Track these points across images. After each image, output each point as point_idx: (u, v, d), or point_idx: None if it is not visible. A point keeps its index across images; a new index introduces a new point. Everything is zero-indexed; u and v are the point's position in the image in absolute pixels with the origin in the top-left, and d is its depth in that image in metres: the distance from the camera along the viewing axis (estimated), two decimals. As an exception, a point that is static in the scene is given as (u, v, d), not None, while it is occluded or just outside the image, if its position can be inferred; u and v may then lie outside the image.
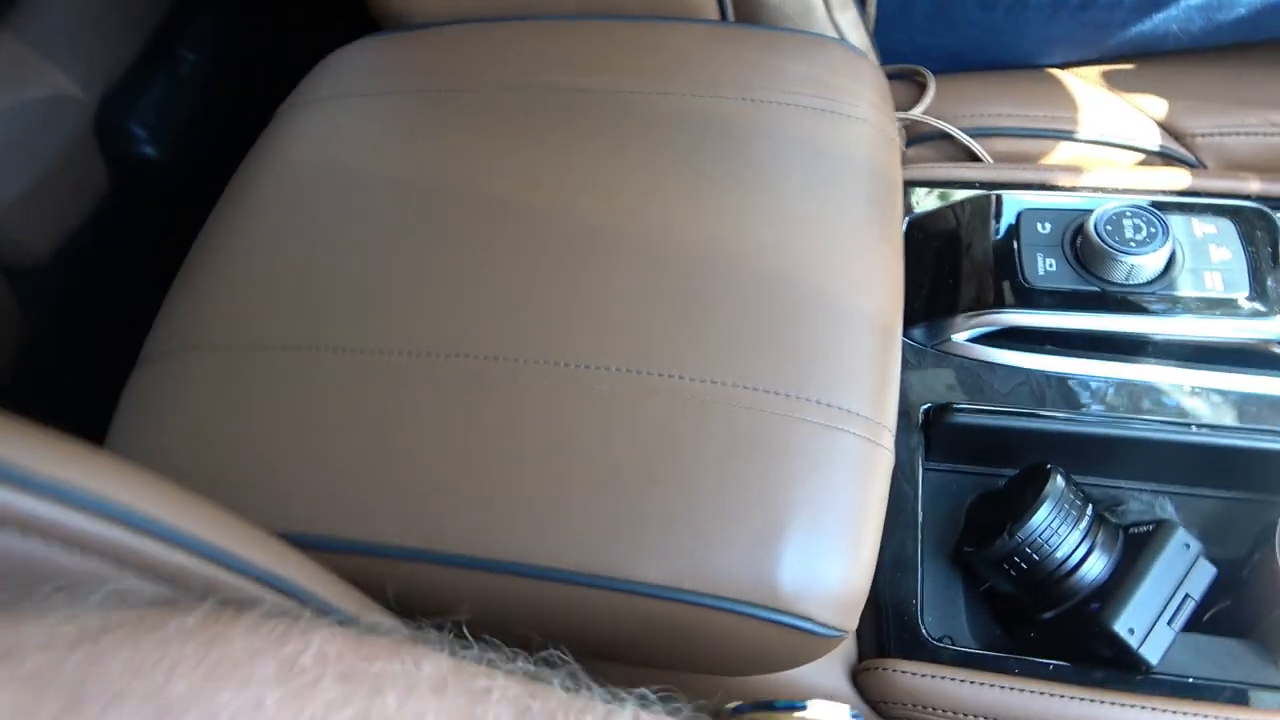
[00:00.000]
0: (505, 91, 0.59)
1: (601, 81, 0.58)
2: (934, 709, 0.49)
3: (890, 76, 0.64)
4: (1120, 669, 0.49)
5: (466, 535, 0.43)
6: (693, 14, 0.64)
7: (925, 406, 0.57)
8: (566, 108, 0.57)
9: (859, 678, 0.51)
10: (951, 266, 0.62)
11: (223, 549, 0.31)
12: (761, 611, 0.42)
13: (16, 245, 0.73)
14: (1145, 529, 0.51)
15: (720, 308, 0.48)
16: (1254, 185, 0.64)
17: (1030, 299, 0.58)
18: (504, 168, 0.55)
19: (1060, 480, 0.51)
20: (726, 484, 0.43)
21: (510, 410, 0.46)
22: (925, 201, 0.67)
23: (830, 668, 0.52)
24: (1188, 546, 0.49)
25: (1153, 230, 0.57)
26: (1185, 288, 0.57)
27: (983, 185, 0.66)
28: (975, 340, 0.59)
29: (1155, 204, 0.59)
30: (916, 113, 0.70)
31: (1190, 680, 0.49)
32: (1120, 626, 0.47)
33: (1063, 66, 0.73)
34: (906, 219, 0.66)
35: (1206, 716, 0.47)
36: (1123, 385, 0.56)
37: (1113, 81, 0.72)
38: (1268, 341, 0.56)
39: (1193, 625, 0.49)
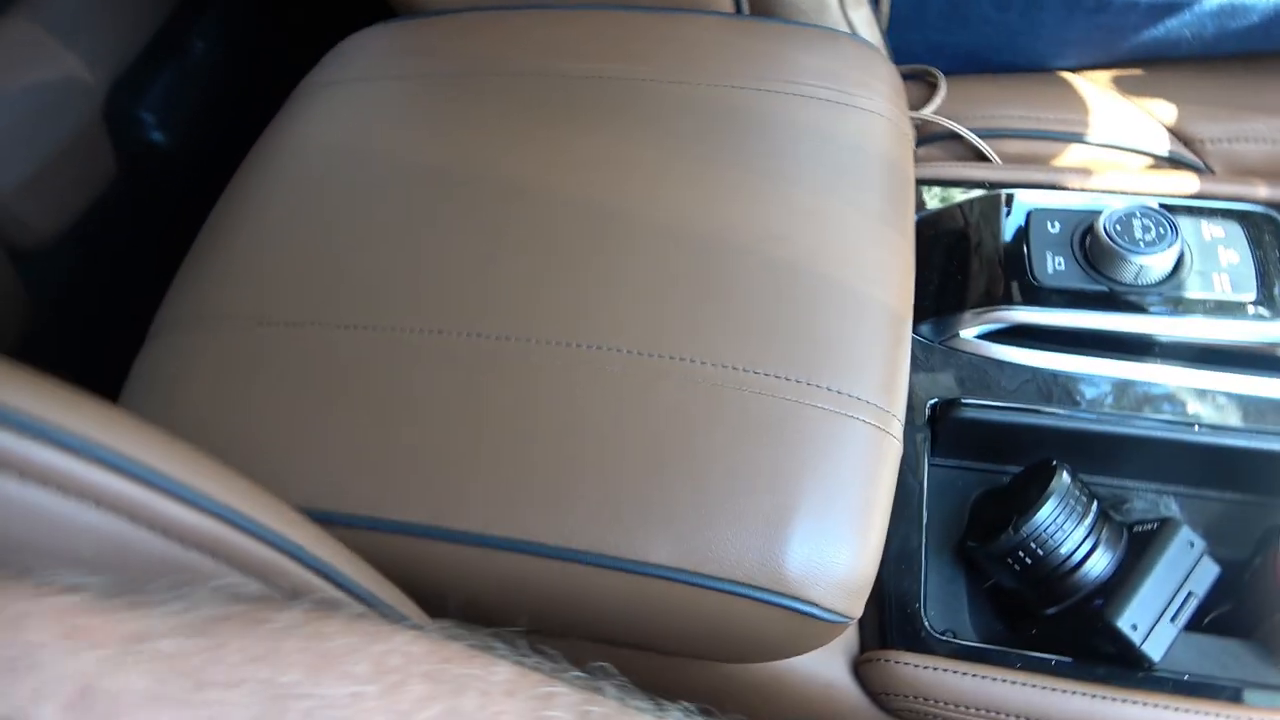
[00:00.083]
0: (519, 77, 0.59)
1: (615, 69, 0.58)
2: (936, 701, 0.49)
3: (902, 76, 0.64)
4: (1122, 665, 0.49)
5: (474, 513, 0.44)
6: (707, 6, 0.64)
7: (932, 401, 0.58)
8: (580, 94, 0.57)
9: (861, 669, 0.51)
10: (960, 263, 0.62)
11: (243, 513, 0.32)
12: (768, 595, 0.42)
13: (22, 227, 0.73)
14: (1149, 527, 0.51)
15: (732, 293, 0.48)
16: (1262, 191, 0.64)
17: (1039, 297, 0.58)
18: (518, 151, 0.55)
19: (1066, 476, 0.51)
20: (736, 468, 0.43)
21: (522, 390, 0.46)
22: (934, 200, 0.67)
23: (832, 658, 0.52)
24: (1192, 545, 0.50)
25: (1162, 231, 0.57)
26: (1193, 289, 0.57)
27: (992, 185, 0.67)
28: (983, 337, 0.59)
29: (1164, 206, 0.59)
30: (927, 113, 0.71)
31: (1192, 678, 0.48)
32: (1123, 623, 0.47)
33: (1075, 70, 0.73)
34: (916, 216, 0.66)
35: (1207, 714, 0.47)
36: (1129, 384, 0.57)
37: (1123, 86, 0.72)
38: (1274, 345, 0.56)
39: (1195, 625, 0.50)
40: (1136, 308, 0.57)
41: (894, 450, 0.46)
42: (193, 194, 0.65)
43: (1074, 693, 0.48)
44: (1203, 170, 0.69)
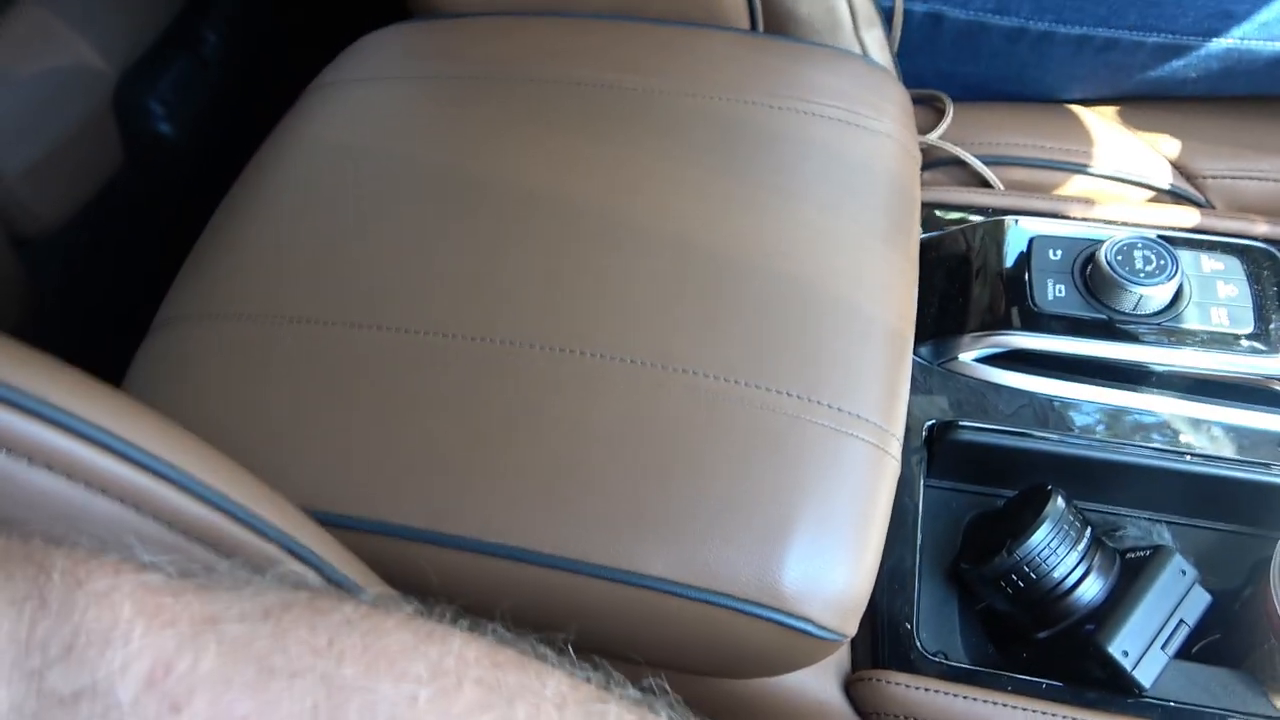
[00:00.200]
0: (533, 83, 0.59)
1: (629, 80, 0.59)
2: (925, 722, 0.49)
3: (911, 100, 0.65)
4: (1113, 691, 0.49)
5: (471, 518, 0.44)
6: (723, 22, 0.65)
7: (929, 423, 0.58)
8: (594, 103, 0.58)
9: (852, 688, 0.51)
10: (961, 287, 0.62)
11: (247, 508, 0.32)
12: (763, 611, 0.42)
13: (26, 212, 0.73)
14: (1142, 554, 0.51)
15: (737, 307, 0.48)
16: (1261, 228, 0.65)
17: (1038, 323, 0.59)
18: (529, 158, 0.55)
19: (1061, 501, 0.51)
20: (735, 481, 0.43)
21: (523, 396, 0.46)
22: (937, 223, 0.68)
23: (824, 677, 0.52)
24: (1184, 573, 0.50)
25: (1162, 263, 0.58)
26: (1191, 321, 0.58)
27: (995, 211, 0.67)
28: (982, 360, 0.59)
29: (1165, 238, 0.60)
30: (933, 137, 0.71)
31: (1181, 706, 0.49)
32: (1115, 648, 0.48)
33: (1081, 102, 0.74)
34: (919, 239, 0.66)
35: (1195, 743, 0.47)
36: (1125, 413, 0.57)
37: (1128, 119, 0.73)
38: (1269, 378, 0.57)
39: (1184, 653, 0.50)
40: (1135, 337, 0.58)
41: (892, 469, 0.46)
42: (199, 186, 0.65)
43: (1064, 717, 0.48)
44: (1203, 205, 0.69)
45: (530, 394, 0.46)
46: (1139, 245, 0.59)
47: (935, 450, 0.58)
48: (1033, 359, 0.59)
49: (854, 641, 0.53)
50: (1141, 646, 0.48)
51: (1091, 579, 0.50)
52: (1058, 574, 0.50)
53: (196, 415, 0.47)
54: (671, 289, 0.49)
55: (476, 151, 0.56)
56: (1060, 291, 0.60)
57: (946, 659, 0.52)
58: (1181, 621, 0.49)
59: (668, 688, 0.27)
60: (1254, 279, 0.60)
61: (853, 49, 0.67)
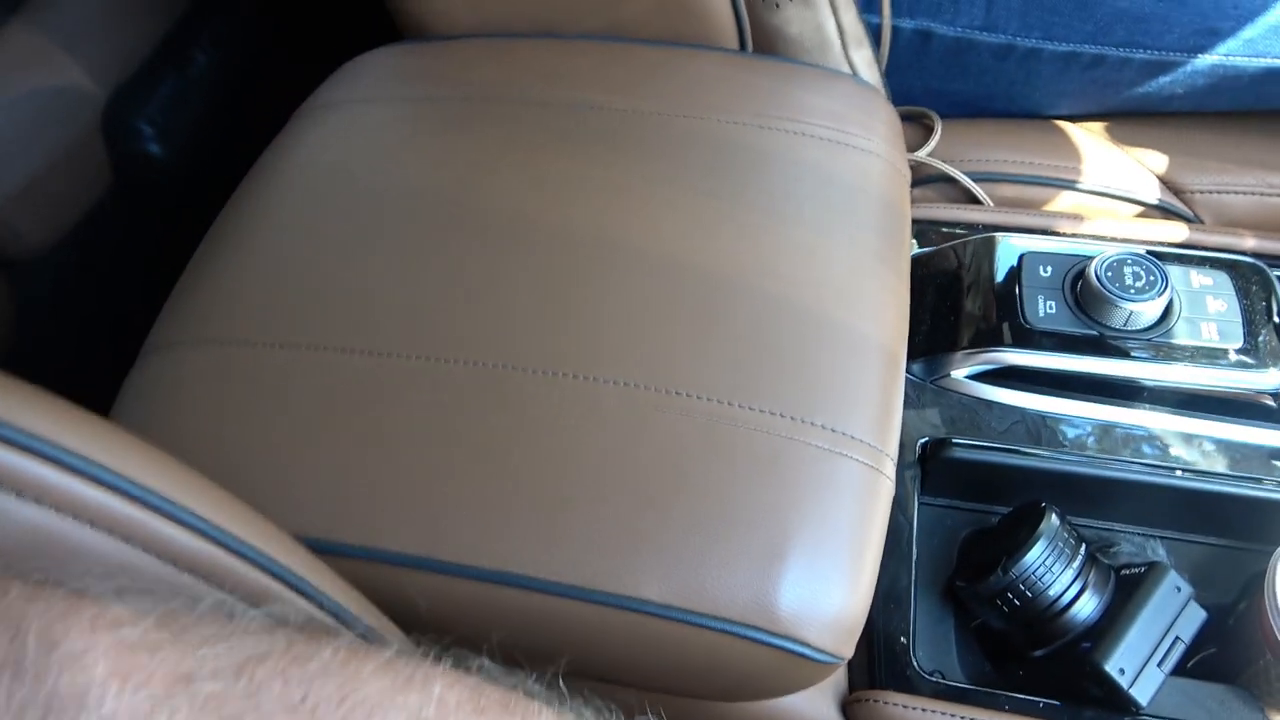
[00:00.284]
0: (525, 105, 0.59)
1: (619, 101, 0.59)
2: (923, 742, 0.49)
3: (900, 118, 0.65)
4: (1110, 709, 0.49)
5: (465, 544, 0.43)
6: (712, 42, 0.65)
7: (922, 441, 0.58)
8: (585, 125, 0.58)
9: (849, 709, 0.51)
10: (952, 304, 0.63)
11: (239, 538, 0.31)
12: (759, 634, 0.42)
13: (15, 235, 0.73)
14: (1137, 570, 0.51)
15: (729, 328, 0.48)
16: (1249, 242, 0.65)
17: (1029, 340, 0.59)
18: (519, 179, 0.55)
19: (1055, 519, 0.51)
20: (729, 504, 0.43)
21: (515, 420, 0.46)
22: (928, 241, 0.68)
23: (821, 698, 0.52)
24: (1179, 590, 0.50)
25: (1152, 279, 0.58)
26: (1181, 336, 0.58)
27: (985, 228, 0.68)
28: (974, 377, 0.59)
29: (1155, 254, 0.60)
30: (922, 155, 0.72)
31: (1177, 724, 0.49)
32: (1111, 666, 0.48)
33: (1069, 118, 0.74)
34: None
35: (1192, 761, 0.47)
36: (1117, 428, 0.57)
37: (1116, 135, 0.73)
38: (1260, 393, 0.57)
39: (1181, 669, 0.50)
40: (1125, 353, 0.58)
41: (887, 490, 0.46)
42: (189, 208, 0.65)
43: (1060, 736, 0.48)
44: (1192, 220, 0.70)
45: (523, 418, 0.46)
46: (1129, 261, 0.59)
47: (929, 468, 0.58)
48: (1025, 375, 0.59)
49: (850, 662, 0.52)
50: (1138, 664, 0.48)
51: (1087, 596, 0.50)
52: (1053, 592, 0.50)
53: (187, 443, 0.47)
54: (664, 311, 0.49)
55: (468, 173, 0.56)
56: (1051, 308, 0.60)
57: (943, 678, 0.52)
58: (1177, 639, 0.49)
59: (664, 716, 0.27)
60: (1243, 294, 0.60)
61: (842, 68, 0.68)
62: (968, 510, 0.58)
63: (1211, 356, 0.57)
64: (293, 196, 0.57)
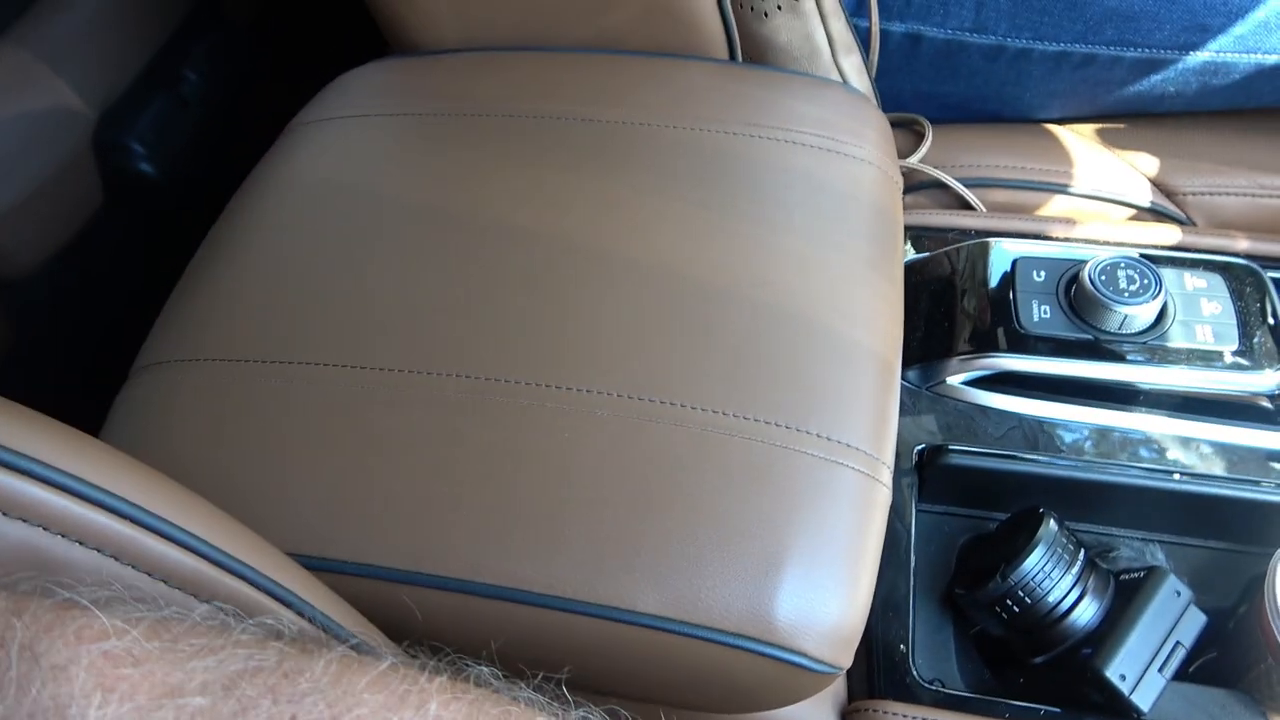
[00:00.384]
0: (514, 118, 0.59)
1: (609, 112, 0.59)
2: (924, 752, 0.49)
3: (890, 124, 0.65)
4: (1111, 715, 0.48)
5: (458, 558, 0.43)
6: (702, 53, 0.65)
7: (919, 448, 0.58)
8: (574, 136, 0.58)
9: (849, 719, 0.51)
10: (947, 310, 0.62)
11: (231, 554, 0.31)
12: (757, 645, 0.41)
13: (8, 255, 0.73)
14: (1136, 575, 0.51)
15: (723, 338, 0.48)
16: (1242, 244, 0.65)
17: (1024, 345, 0.59)
18: (510, 192, 0.55)
19: (1053, 524, 0.51)
20: (724, 514, 0.43)
21: (508, 432, 0.45)
22: (921, 247, 0.68)
23: (821, 708, 0.51)
24: (1178, 594, 0.50)
25: (1146, 282, 0.58)
26: (1176, 339, 0.58)
27: (977, 233, 0.68)
28: (969, 383, 0.59)
29: (1148, 257, 0.60)
30: (913, 161, 0.72)
31: (1180, 729, 0.48)
32: (1112, 672, 0.47)
33: (1060, 122, 0.74)
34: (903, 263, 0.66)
35: (1195, 767, 0.47)
36: (1113, 433, 0.57)
37: (1107, 138, 0.73)
38: (1256, 395, 0.57)
39: (1182, 674, 0.49)
40: (1121, 357, 0.58)
41: (883, 498, 0.45)
42: (180, 227, 0.65)
43: (1062, 744, 0.48)
44: (1184, 222, 0.70)
45: (516, 431, 0.45)
46: (1122, 265, 0.59)
47: (926, 475, 0.57)
48: (1020, 380, 0.59)
49: (850, 671, 0.52)
50: (1139, 670, 0.48)
51: (1086, 602, 0.50)
52: (1052, 598, 0.50)
53: (177, 461, 0.46)
54: (657, 321, 0.49)
55: (458, 188, 0.56)
56: (1045, 312, 0.60)
57: (943, 686, 0.51)
58: (1178, 643, 0.49)
59: None
60: (1237, 295, 0.60)
61: (831, 76, 0.68)
62: (965, 517, 0.58)
63: (1207, 359, 0.57)
64: (281, 213, 0.57)
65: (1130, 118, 0.73)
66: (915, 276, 0.66)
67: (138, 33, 0.81)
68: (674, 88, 0.61)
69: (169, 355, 0.51)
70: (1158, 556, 0.56)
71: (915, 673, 0.51)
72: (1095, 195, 0.70)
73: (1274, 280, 0.62)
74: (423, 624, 0.43)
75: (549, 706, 0.27)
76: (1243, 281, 0.61)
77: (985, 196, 0.71)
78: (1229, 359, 0.57)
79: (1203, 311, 0.59)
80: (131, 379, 0.52)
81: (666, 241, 0.52)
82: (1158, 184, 0.70)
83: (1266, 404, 0.57)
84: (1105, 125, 0.74)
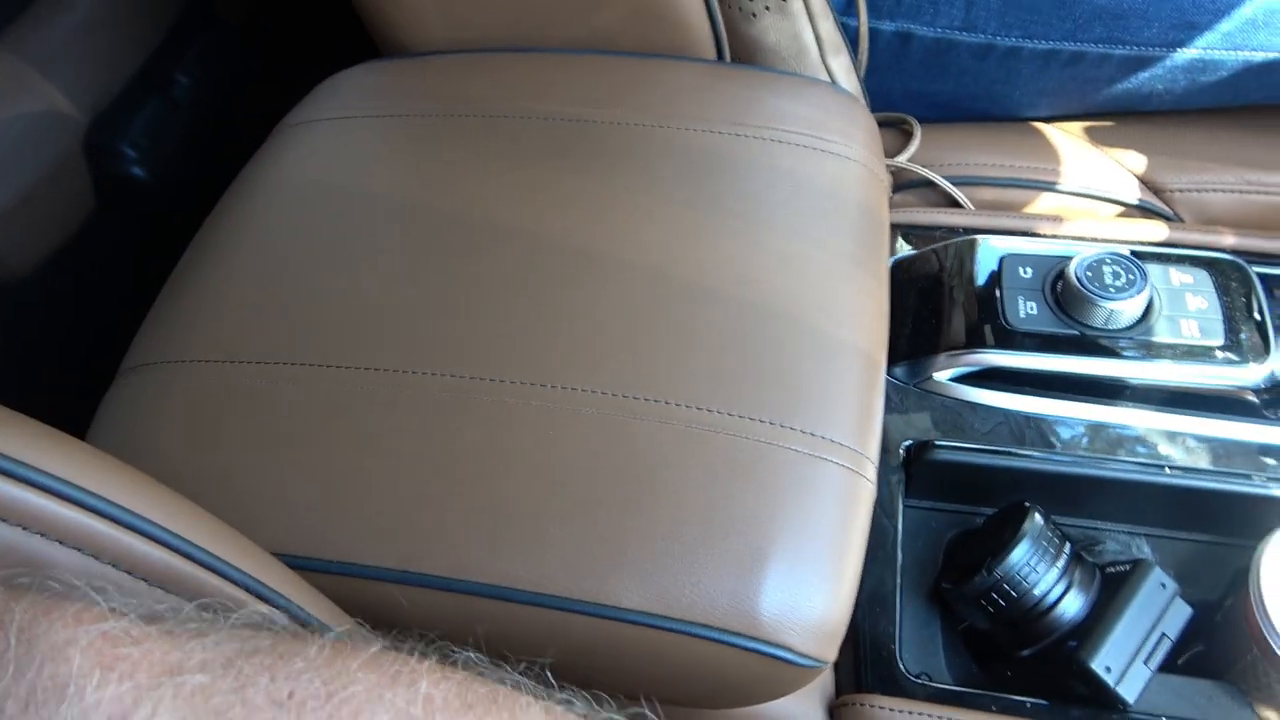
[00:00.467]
0: (502, 119, 0.60)
1: (598, 113, 0.59)
2: (911, 746, 0.49)
3: (878, 124, 0.65)
4: (1097, 707, 0.49)
5: (444, 557, 0.43)
6: (690, 53, 0.65)
7: (906, 443, 0.58)
8: (562, 136, 0.58)
9: (836, 713, 0.51)
10: (934, 307, 0.63)
11: (216, 554, 0.31)
12: (741, 640, 0.42)
13: (-1, 259, 0.73)
14: (1122, 568, 0.51)
15: (708, 335, 0.48)
16: (1228, 240, 0.66)
17: (1011, 341, 0.59)
18: (497, 192, 0.55)
19: (1039, 518, 0.51)
20: (709, 510, 0.43)
21: (494, 431, 0.46)
22: (908, 245, 0.68)
23: (808, 703, 0.52)
24: (1164, 586, 0.50)
25: (1131, 278, 0.58)
26: (1162, 334, 0.58)
27: (965, 231, 0.68)
28: (956, 380, 0.60)
29: (1134, 253, 0.60)
30: (902, 160, 0.72)
31: (1166, 720, 0.49)
32: (1098, 664, 0.48)
33: (1049, 119, 0.75)
34: (891, 261, 0.67)
35: (1181, 758, 0.47)
36: (1100, 427, 0.57)
37: (1095, 136, 0.74)
38: (1241, 388, 0.57)
39: (1167, 666, 0.50)
40: (1107, 352, 0.58)
41: (868, 493, 0.46)
42: (172, 230, 0.65)
43: (1048, 736, 0.48)
44: (1172, 219, 0.70)
45: (501, 429, 0.46)
46: (1108, 260, 0.59)
47: (913, 470, 0.58)
48: (1007, 376, 0.59)
49: (837, 665, 0.52)
50: (1124, 662, 0.48)
51: (1072, 595, 0.50)
52: (1038, 591, 0.50)
53: (163, 462, 0.47)
54: (642, 319, 0.49)
55: (446, 188, 0.56)
56: (1032, 309, 0.60)
57: (930, 680, 0.52)
58: (1164, 635, 0.49)
59: (660, 713, 0.27)
60: (1223, 291, 0.60)
61: (820, 76, 0.68)
62: (953, 512, 0.58)
63: (1193, 354, 0.58)
64: (269, 214, 0.57)
65: (1118, 115, 0.73)
66: (903, 274, 0.66)
67: (129, 37, 0.81)
68: (662, 88, 0.61)
69: (156, 356, 0.51)
70: (1143, 549, 0.56)
71: (903, 667, 0.51)
72: (1083, 193, 0.70)
73: (1260, 275, 0.62)
74: (406, 610, 0.43)
75: (535, 689, 0.27)
76: (1229, 277, 0.61)
77: (973, 194, 0.71)
78: (1215, 353, 0.58)
79: (1189, 306, 0.60)
80: (118, 380, 0.52)
81: (653, 241, 0.52)
82: (1145, 181, 0.71)
83: (1252, 398, 0.57)
84: (1093, 123, 0.74)
